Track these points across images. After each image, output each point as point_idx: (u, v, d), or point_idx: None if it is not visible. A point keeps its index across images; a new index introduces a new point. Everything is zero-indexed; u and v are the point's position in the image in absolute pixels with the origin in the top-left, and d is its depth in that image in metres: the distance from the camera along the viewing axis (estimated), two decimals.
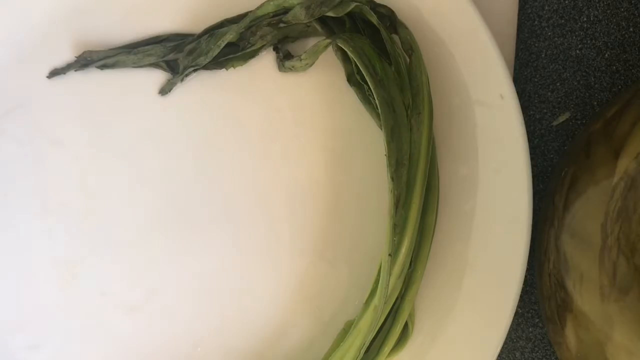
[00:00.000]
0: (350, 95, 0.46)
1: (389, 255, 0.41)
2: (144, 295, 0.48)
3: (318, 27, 0.45)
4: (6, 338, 0.47)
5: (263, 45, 0.46)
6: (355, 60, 0.43)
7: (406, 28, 0.44)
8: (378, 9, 0.44)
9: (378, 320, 0.42)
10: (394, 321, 0.44)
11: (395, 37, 0.45)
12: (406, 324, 0.45)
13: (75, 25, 0.43)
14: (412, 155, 0.43)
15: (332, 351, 0.44)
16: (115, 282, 0.48)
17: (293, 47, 0.47)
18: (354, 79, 0.46)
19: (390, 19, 0.44)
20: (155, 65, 0.47)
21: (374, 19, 0.43)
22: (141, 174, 0.48)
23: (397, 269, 0.42)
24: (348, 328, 0.44)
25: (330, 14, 0.44)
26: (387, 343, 0.44)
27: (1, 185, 0.47)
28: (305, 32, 0.46)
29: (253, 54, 0.46)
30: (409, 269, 0.44)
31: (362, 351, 0.42)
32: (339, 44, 0.43)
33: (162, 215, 0.48)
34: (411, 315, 0.45)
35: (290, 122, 0.47)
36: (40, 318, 0.47)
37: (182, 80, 0.47)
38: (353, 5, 0.43)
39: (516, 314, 0.51)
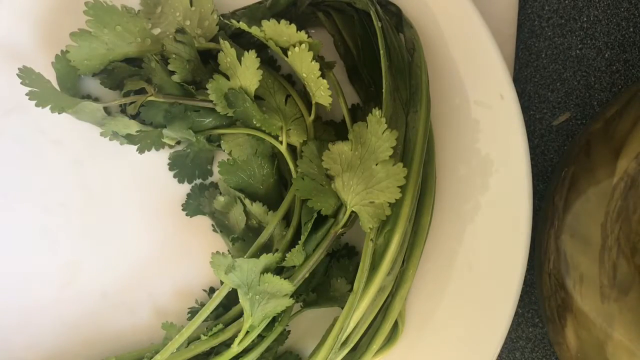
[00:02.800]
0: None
1: (371, 240, 0.42)
2: (145, 295, 0.48)
3: (322, 19, 0.45)
4: (6, 336, 0.47)
5: None
6: (379, 38, 0.43)
7: (412, 27, 0.45)
8: (388, 6, 0.45)
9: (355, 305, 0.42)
10: (383, 319, 0.44)
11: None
12: (396, 323, 0.45)
13: (75, 26, 0.43)
14: (406, 152, 0.43)
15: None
16: (116, 282, 0.48)
17: None
18: (355, 76, 0.46)
19: (397, 17, 0.45)
20: None
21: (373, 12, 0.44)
22: (141, 173, 0.48)
23: (385, 266, 0.42)
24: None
25: None
26: (376, 340, 0.44)
27: (1, 185, 0.47)
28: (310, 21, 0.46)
29: None
30: (400, 267, 0.44)
31: (340, 341, 0.42)
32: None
33: (161, 213, 0.48)
34: (401, 314, 0.45)
35: None
36: (40, 317, 0.48)
37: None
38: None
39: (516, 314, 0.51)
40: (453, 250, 0.46)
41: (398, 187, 0.40)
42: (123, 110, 0.47)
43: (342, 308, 0.42)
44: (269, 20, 0.41)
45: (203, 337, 0.43)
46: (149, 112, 0.45)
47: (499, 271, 0.45)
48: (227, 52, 0.42)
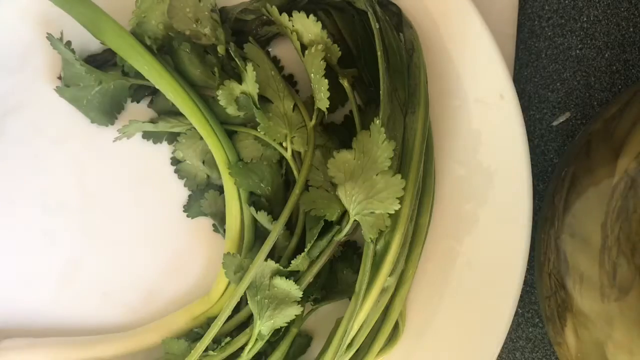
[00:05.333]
0: None
1: (372, 242, 0.42)
2: (145, 295, 0.48)
3: (323, 19, 0.45)
4: (6, 336, 0.47)
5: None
6: (376, 39, 0.42)
7: (411, 27, 0.45)
8: (388, 6, 0.45)
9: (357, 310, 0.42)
10: (384, 319, 0.44)
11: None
12: (397, 323, 0.45)
13: (76, 24, 0.43)
14: (404, 153, 0.43)
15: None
16: (116, 282, 0.48)
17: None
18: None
19: (397, 17, 0.45)
20: None
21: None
22: (142, 173, 0.48)
23: (387, 267, 0.42)
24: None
25: None
26: (377, 341, 0.44)
27: (1, 185, 0.47)
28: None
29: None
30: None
31: (345, 343, 0.42)
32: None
33: (162, 213, 0.48)
34: (402, 314, 0.45)
35: None
36: (40, 317, 0.48)
37: None
38: None
39: (516, 314, 0.51)
40: (453, 250, 0.46)
41: (397, 198, 0.40)
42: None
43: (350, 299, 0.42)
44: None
45: (211, 353, 0.43)
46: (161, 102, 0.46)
47: (499, 271, 0.45)
48: (237, 60, 0.43)
